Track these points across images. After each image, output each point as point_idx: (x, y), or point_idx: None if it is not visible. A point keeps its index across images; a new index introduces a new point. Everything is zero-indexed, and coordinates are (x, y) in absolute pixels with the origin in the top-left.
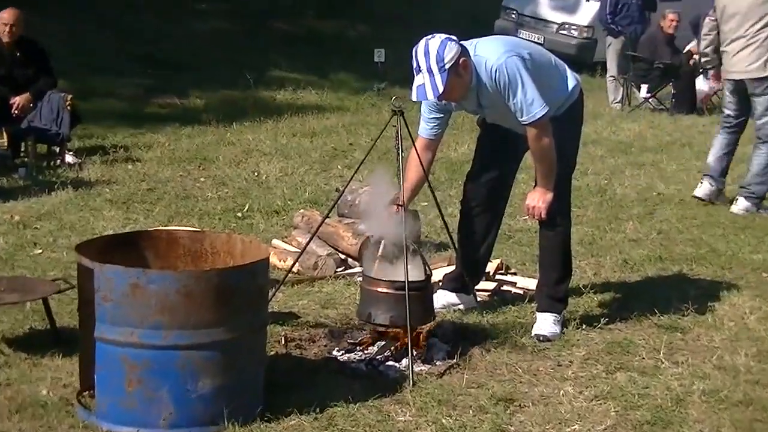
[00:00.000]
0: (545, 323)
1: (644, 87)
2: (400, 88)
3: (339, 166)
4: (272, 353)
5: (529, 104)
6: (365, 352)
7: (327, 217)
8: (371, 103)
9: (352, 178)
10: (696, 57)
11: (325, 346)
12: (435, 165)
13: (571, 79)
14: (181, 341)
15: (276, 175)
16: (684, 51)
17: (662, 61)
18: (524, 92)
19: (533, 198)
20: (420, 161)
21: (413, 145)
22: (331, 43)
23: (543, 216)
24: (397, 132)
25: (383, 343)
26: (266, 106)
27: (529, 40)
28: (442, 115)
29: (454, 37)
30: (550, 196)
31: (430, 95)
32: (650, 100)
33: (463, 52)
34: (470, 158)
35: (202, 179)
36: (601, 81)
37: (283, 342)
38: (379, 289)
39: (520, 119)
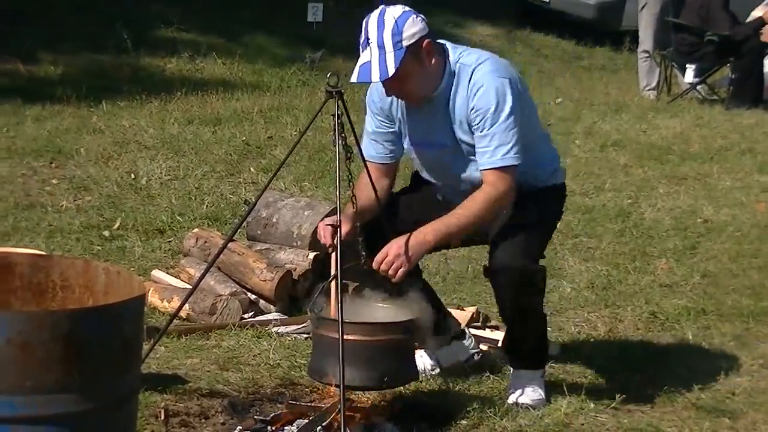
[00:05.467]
0: (524, 385)
1: (690, 68)
2: (343, 59)
3: (252, 169)
4: None
5: (500, 145)
6: None
7: (231, 240)
8: (301, 80)
9: (268, 185)
10: None
11: (223, 423)
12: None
13: (556, 156)
14: (11, 412)
15: (161, 179)
16: (749, 19)
17: (717, 32)
18: (502, 127)
19: (398, 246)
20: (373, 185)
21: (360, 153)
22: None
23: (396, 278)
24: (335, 121)
25: (306, 421)
26: (150, 80)
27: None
28: (394, 128)
29: (423, 17)
30: (421, 252)
31: (376, 76)
32: (698, 86)
33: (431, 34)
34: None
35: (54, 181)
36: (629, 58)
37: (162, 417)
38: (354, 336)
39: (480, 161)
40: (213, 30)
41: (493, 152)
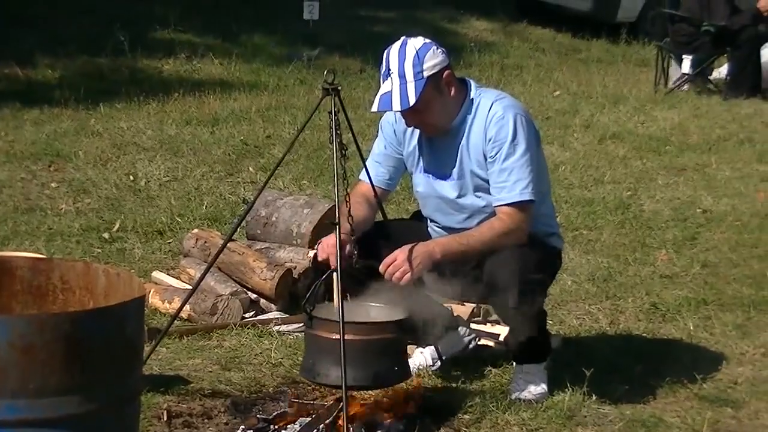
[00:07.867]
0: (527, 380)
1: (687, 59)
2: (340, 57)
3: (251, 168)
4: None
5: (519, 180)
6: (283, 431)
7: (231, 239)
8: (298, 79)
9: (266, 184)
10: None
11: (226, 423)
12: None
13: (555, 221)
14: (14, 415)
15: (160, 180)
16: (746, 8)
17: (713, 22)
18: (521, 162)
19: (406, 253)
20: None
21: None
22: None
23: (403, 282)
24: (331, 119)
25: (309, 419)
26: (148, 81)
27: None
28: (401, 156)
29: (444, 49)
30: (428, 262)
31: (397, 106)
32: (695, 77)
33: (450, 66)
34: None
35: (53, 184)
36: (625, 50)
37: (164, 418)
38: (348, 336)
39: (497, 196)
40: (209, 30)
41: (511, 187)
